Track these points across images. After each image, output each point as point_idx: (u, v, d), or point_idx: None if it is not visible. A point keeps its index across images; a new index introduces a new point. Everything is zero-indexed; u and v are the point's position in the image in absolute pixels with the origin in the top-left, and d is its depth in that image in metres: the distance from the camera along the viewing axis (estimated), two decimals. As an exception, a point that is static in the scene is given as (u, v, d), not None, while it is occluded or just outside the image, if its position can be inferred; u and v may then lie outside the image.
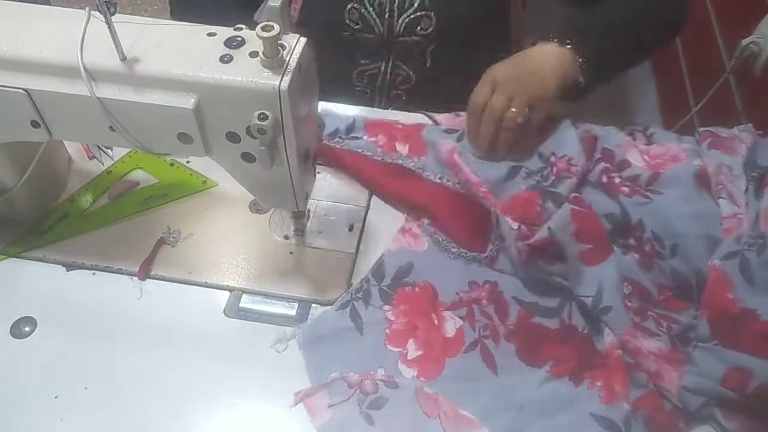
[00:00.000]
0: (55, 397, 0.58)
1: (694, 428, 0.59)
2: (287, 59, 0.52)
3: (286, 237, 0.71)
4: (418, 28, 0.89)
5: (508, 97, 0.71)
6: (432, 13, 0.88)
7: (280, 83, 0.51)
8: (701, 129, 0.73)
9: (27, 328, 0.63)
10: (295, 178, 0.59)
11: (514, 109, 0.71)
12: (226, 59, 0.52)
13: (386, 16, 0.88)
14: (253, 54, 0.52)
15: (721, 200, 0.67)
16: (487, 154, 0.73)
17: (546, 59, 0.74)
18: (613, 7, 0.80)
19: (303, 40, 0.54)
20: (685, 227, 0.65)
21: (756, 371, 0.56)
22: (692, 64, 1.28)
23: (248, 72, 0.51)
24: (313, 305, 0.66)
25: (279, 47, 0.51)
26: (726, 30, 1.12)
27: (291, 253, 0.70)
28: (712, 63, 1.13)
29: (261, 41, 0.50)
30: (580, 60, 0.74)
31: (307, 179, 0.63)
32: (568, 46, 0.74)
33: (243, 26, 0.55)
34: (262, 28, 0.49)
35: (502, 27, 0.94)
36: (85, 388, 0.59)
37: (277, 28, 0.49)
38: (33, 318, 0.64)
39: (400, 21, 0.89)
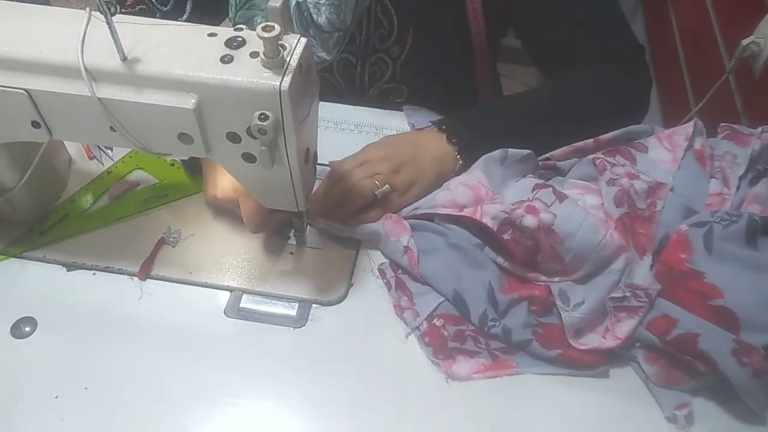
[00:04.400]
0: (55, 397, 0.58)
1: (616, 367, 0.62)
2: (288, 59, 0.52)
3: (287, 237, 0.71)
4: (390, 97, 0.89)
5: (374, 172, 0.69)
6: (403, 86, 0.88)
7: (280, 83, 0.51)
8: (722, 123, 0.74)
9: (27, 328, 0.63)
10: (295, 179, 0.59)
11: (377, 182, 0.68)
12: (226, 59, 0.52)
13: (356, 86, 0.89)
14: (254, 54, 0.52)
15: (713, 180, 0.69)
16: (320, 213, 0.69)
17: (428, 156, 0.71)
18: (549, 94, 0.80)
19: (303, 40, 0.54)
20: (671, 196, 0.67)
21: (681, 321, 0.59)
22: (692, 64, 1.28)
23: (249, 72, 0.51)
24: (314, 305, 0.66)
25: (279, 47, 0.51)
26: (726, 30, 1.12)
27: (291, 253, 0.70)
28: (712, 63, 1.12)
29: (261, 41, 0.50)
30: (458, 158, 0.72)
31: (308, 179, 0.63)
32: (454, 142, 0.72)
33: (243, 26, 0.55)
34: (263, 29, 0.49)
35: (471, 93, 0.94)
36: (85, 388, 0.59)
37: (277, 28, 0.49)
38: (33, 318, 0.63)
39: (371, 92, 0.89)
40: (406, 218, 0.70)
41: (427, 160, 0.71)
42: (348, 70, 0.88)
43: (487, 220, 0.65)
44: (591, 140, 0.73)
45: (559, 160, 0.74)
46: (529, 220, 0.63)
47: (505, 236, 0.65)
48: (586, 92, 0.79)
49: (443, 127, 0.74)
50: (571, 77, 0.80)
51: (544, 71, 0.89)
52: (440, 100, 0.87)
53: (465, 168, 0.73)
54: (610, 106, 0.79)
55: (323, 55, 0.80)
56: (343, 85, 0.90)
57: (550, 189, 0.66)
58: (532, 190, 0.67)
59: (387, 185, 0.69)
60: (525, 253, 0.65)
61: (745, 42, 0.98)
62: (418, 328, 0.64)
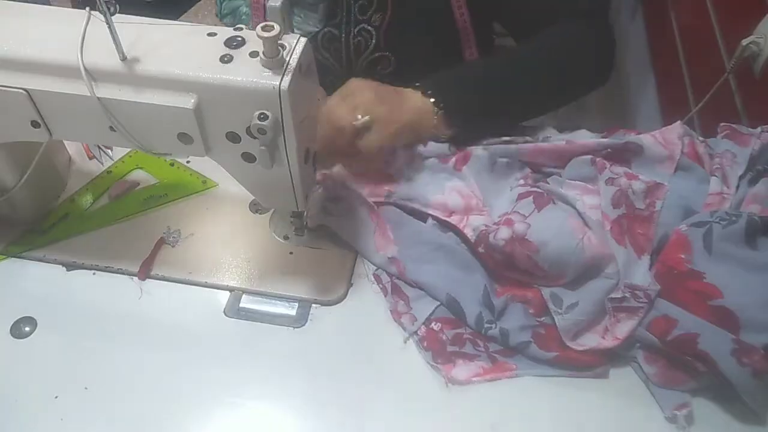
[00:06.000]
0: (55, 397, 0.58)
1: (616, 367, 0.62)
2: (287, 59, 0.52)
3: (286, 237, 0.71)
4: (378, 68, 0.89)
5: (354, 105, 0.68)
6: (389, 54, 0.88)
7: (280, 83, 0.51)
8: (722, 123, 0.74)
9: (27, 328, 0.63)
10: (295, 178, 0.59)
11: (359, 116, 0.67)
12: (226, 59, 0.52)
13: (343, 59, 0.89)
14: (254, 54, 0.52)
15: (713, 178, 0.68)
16: (323, 156, 0.69)
17: (409, 103, 0.71)
18: (518, 56, 0.80)
19: (303, 40, 0.54)
20: (670, 196, 0.67)
21: (680, 322, 0.59)
22: (692, 64, 1.28)
23: (248, 72, 0.51)
24: (313, 305, 0.66)
25: (279, 47, 0.51)
26: (726, 30, 1.12)
27: (291, 253, 0.70)
28: (712, 63, 1.12)
29: (261, 41, 0.50)
30: (435, 111, 0.72)
31: (307, 179, 0.63)
32: (429, 93, 0.72)
33: (243, 26, 0.55)
34: (263, 28, 0.49)
35: (458, 59, 0.93)
36: (85, 388, 0.59)
37: (277, 28, 0.50)
38: (33, 318, 0.64)
39: (358, 63, 0.89)
40: (398, 205, 0.70)
41: (408, 105, 0.71)
42: (333, 44, 0.89)
43: (469, 231, 0.66)
44: (563, 142, 0.73)
45: (529, 161, 0.74)
46: (503, 232, 0.63)
47: (480, 249, 0.65)
48: (553, 45, 0.79)
49: (417, 84, 0.74)
50: (538, 36, 0.80)
51: (515, 37, 0.90)
52: (427, 69, 0.87)
53: (442, 125, 0.72)
54: (575, 59, 0.80)
55: (311, 28, 0.82)
56: (330, 60, 0.90)
57: (531, 198, 0.66)
58: (516, 200, 0.67)
59: (367, 116, 0.67)
60: (498, 266, 0.65)
61: (745, 42, 0.98)
62: (416, 332, 0.63)
